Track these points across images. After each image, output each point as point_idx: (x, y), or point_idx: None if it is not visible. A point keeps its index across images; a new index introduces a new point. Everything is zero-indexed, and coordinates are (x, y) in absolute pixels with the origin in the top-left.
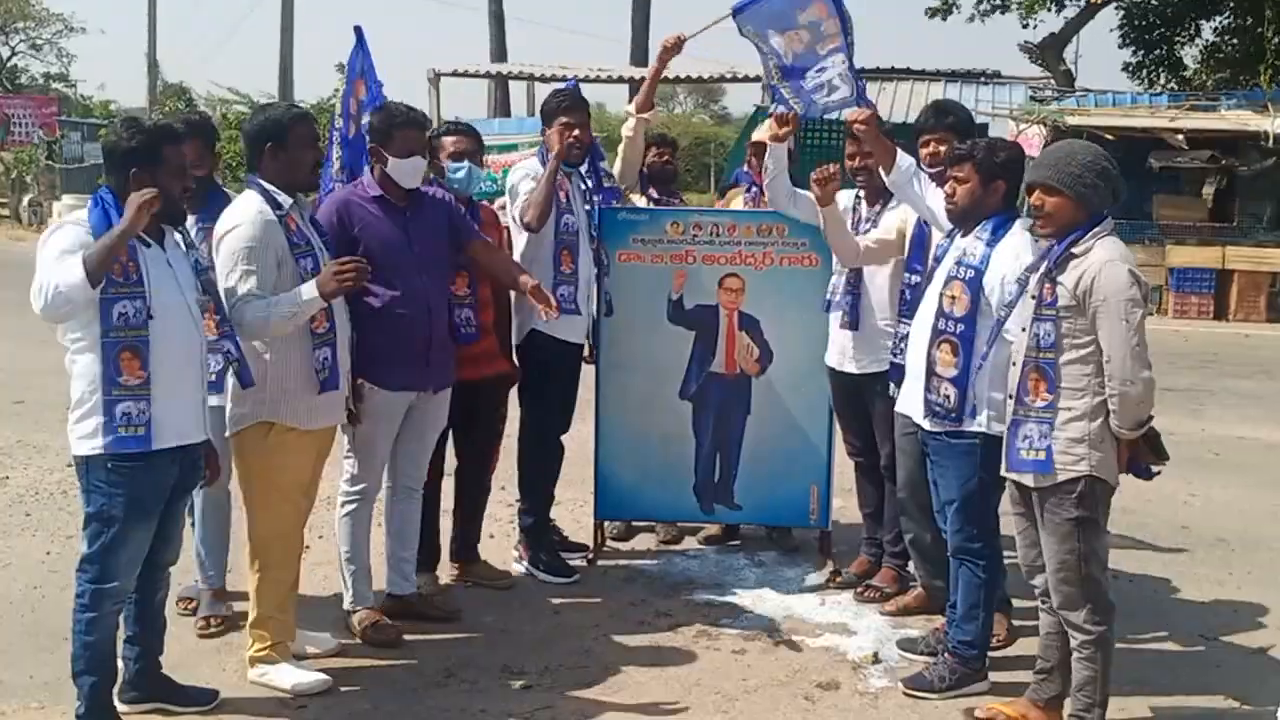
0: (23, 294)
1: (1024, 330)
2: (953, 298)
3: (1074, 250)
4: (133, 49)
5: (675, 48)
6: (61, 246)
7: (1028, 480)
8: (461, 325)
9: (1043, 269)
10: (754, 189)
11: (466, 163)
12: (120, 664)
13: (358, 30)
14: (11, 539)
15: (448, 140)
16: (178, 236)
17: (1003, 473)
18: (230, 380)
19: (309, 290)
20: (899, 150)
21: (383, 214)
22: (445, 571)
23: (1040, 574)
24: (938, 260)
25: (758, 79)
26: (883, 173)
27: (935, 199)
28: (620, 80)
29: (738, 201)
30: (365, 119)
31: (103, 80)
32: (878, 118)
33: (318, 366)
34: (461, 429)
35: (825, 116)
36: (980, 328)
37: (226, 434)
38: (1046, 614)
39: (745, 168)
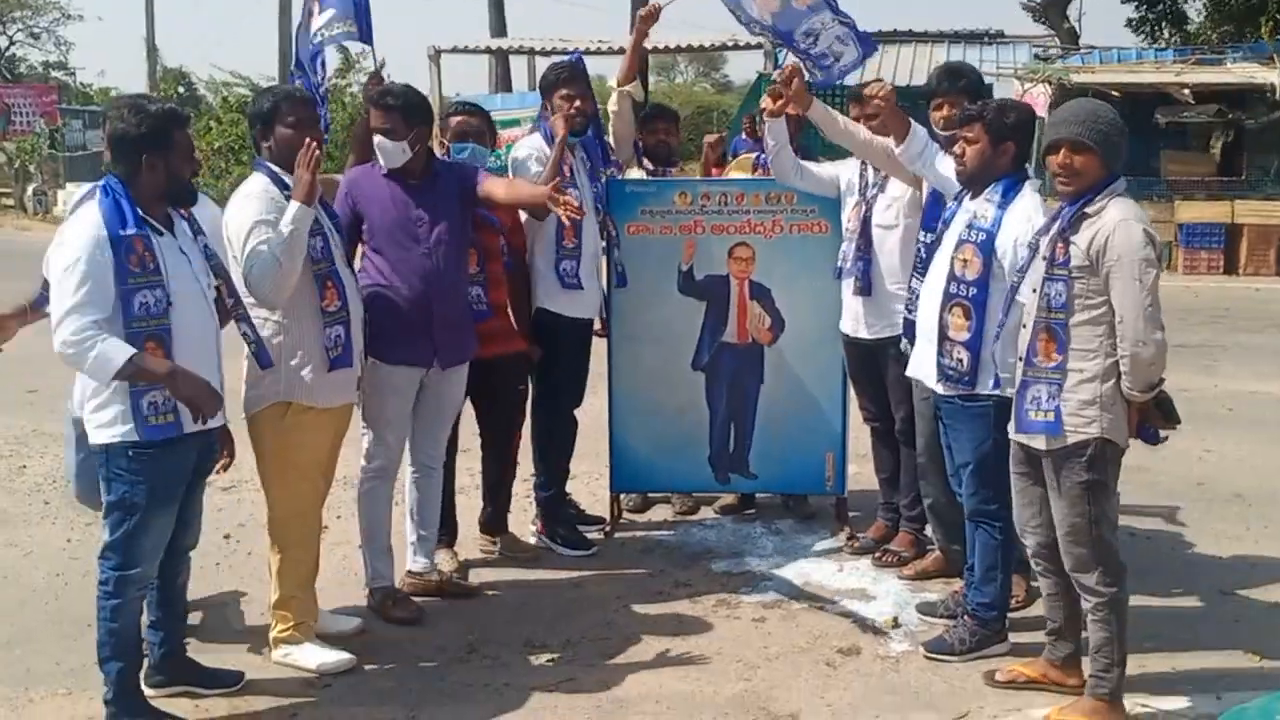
0: (30, 283)
1: (1035, 291)
2: (964, 261)
3: (1087, 210)
4: (131, 34)
5: (651, 18)
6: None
7: (1038, 444)
8: (473, 303)
9: (1055, 229)
10: (762, 156)
11: (470, 144)
12: (145, 649)
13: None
14: (32, 527)
15: (454, 120)
16: (186, 225)
17: (1011, 435)
18: (245, 362)
19: (291, 207)
20: (913, 122)
21: (390, 189)
22: (474, 544)
23: (1033, 535)
24: (946, 223)
25: (759, 46)
26: (894, 143)
27: (946, 166)
28: (620, 51)
29: (746, 168)
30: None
31: (102, 67)
32: None
33: (329, 344)
34: (482, 406)
35: (843, 81)
36: (993, 290)
37: (243, 415)
38: (1044, 575)
39: (743, 136)
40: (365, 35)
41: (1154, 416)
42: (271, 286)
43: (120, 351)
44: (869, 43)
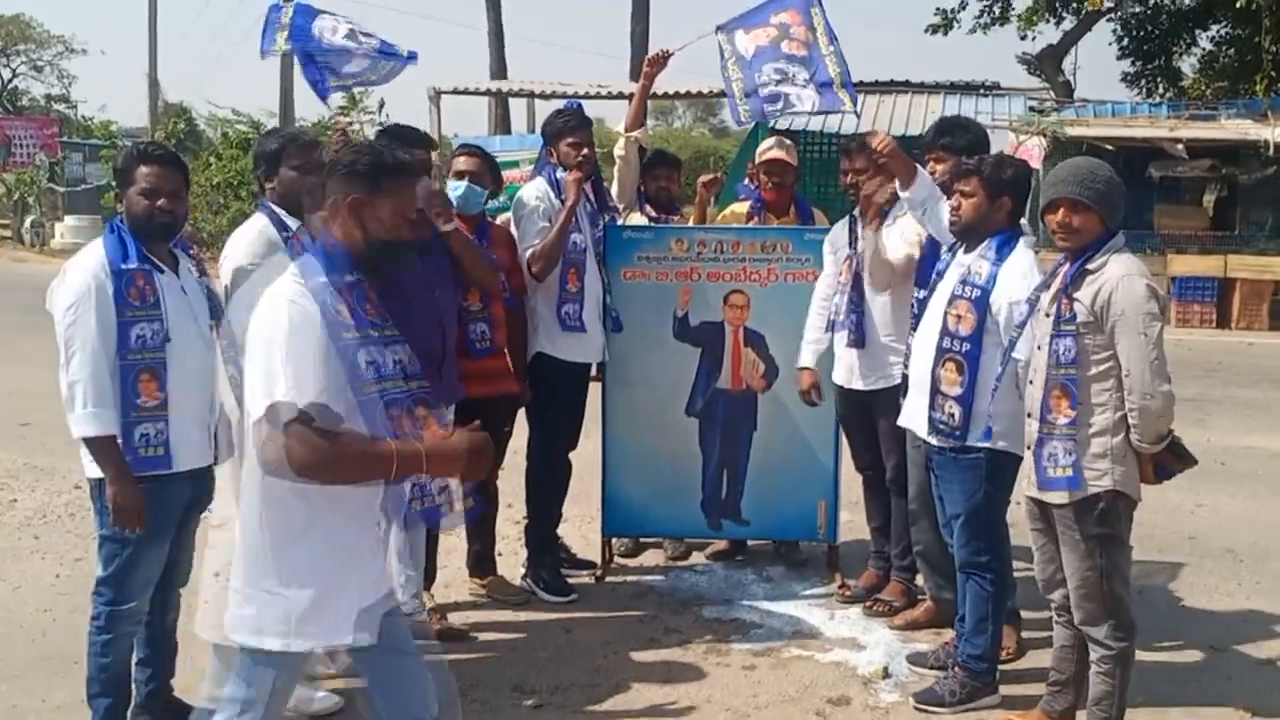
0: (25, 315)
1: (1040, 348)
2: (958, 316)
3: (1089, 267)
4: (133, 69)
5: (660, 63)
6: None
7: (1058, 499)
8: (476, 340)
9: (1056, 285)
10: (759, 205)
11: (465, 181)
12: (132, 686)
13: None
14: (21, 562)
15: (457, 160)
16: (190, 264)
17: (1029, 493)
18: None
19: None
20: (919, 168)
21: None
22: (463, 586)
23: (1058, 589)
24: (939, 275)
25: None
26: (899, 187)
27: (943, 212)
28: (620, 96)
29: (740, 215)
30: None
31: (104, 101)
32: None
33: None
34: None
35: (769, 122)
36: (986, 345)
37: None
38: (1062, 627)
39: (748, 182)
40: (322, 90)
41: (1168, 460)
42: None
43: (95, 424)
44: (831, 96)
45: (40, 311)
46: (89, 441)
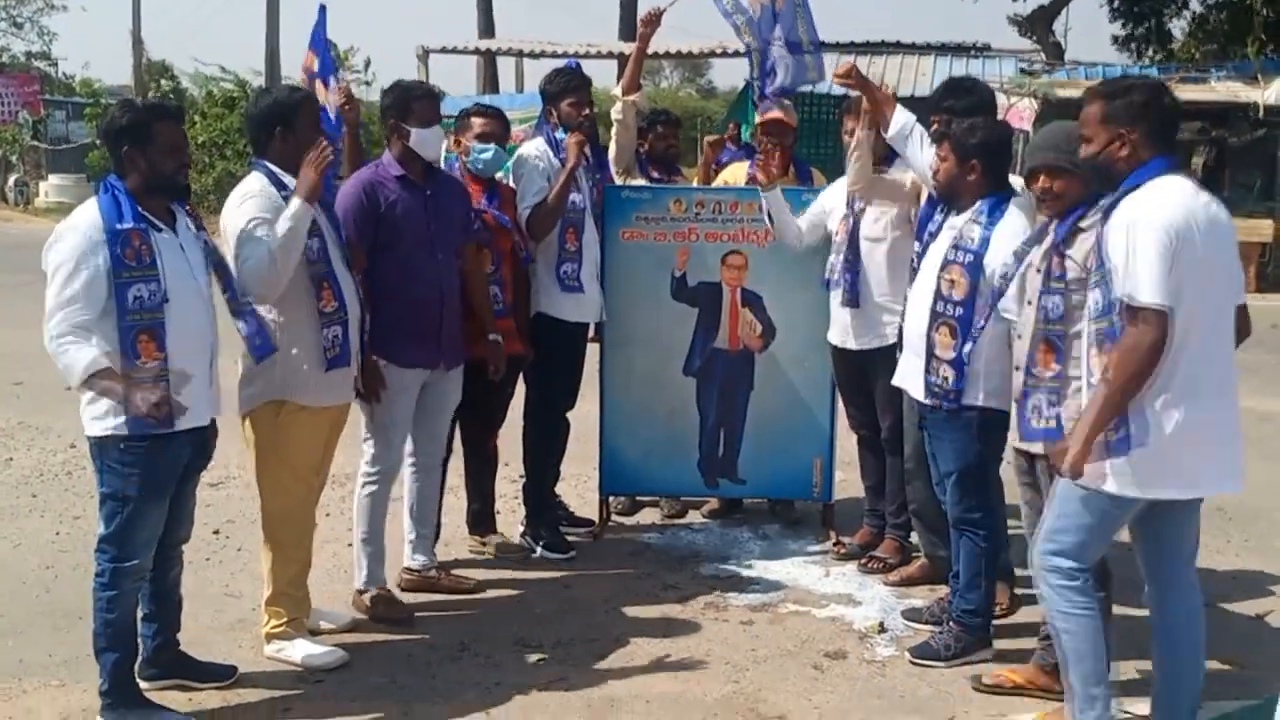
0: (12, 275)
1: (1030, 303)
2: (951, 281)
3: (1081, 225)
4: (116, 26)
5: (654, 23)
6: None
7: (1038, 448)
8: (491, 302)
9: (1048, 243)
10: (753, 166)
11: (493, 145)
12: (139, 642)
13: (321, 8)
14: (20, 520)
15: (476, 121)
16: (188, 220)
17: (1014, 444)
18: (240, 362)
19: (293, 203)
20: (899, 106)
21: (405, 192)
22: (464, 544)
23: None
24: (931, 235)
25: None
26: (881, 127)
27: (930, 157)
28: (609, 55)
29: (739, 176)
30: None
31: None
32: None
33: (327, 344)
34: (469, 405)
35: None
36: (979, 309)
37: (237, 414)
38: None
39: (732, 146)
40: (325, 71)
41: None
42: (264, 281)
43: (85, 361)
44: (799, 64)
45: (28, 270)
46: (87, 382)
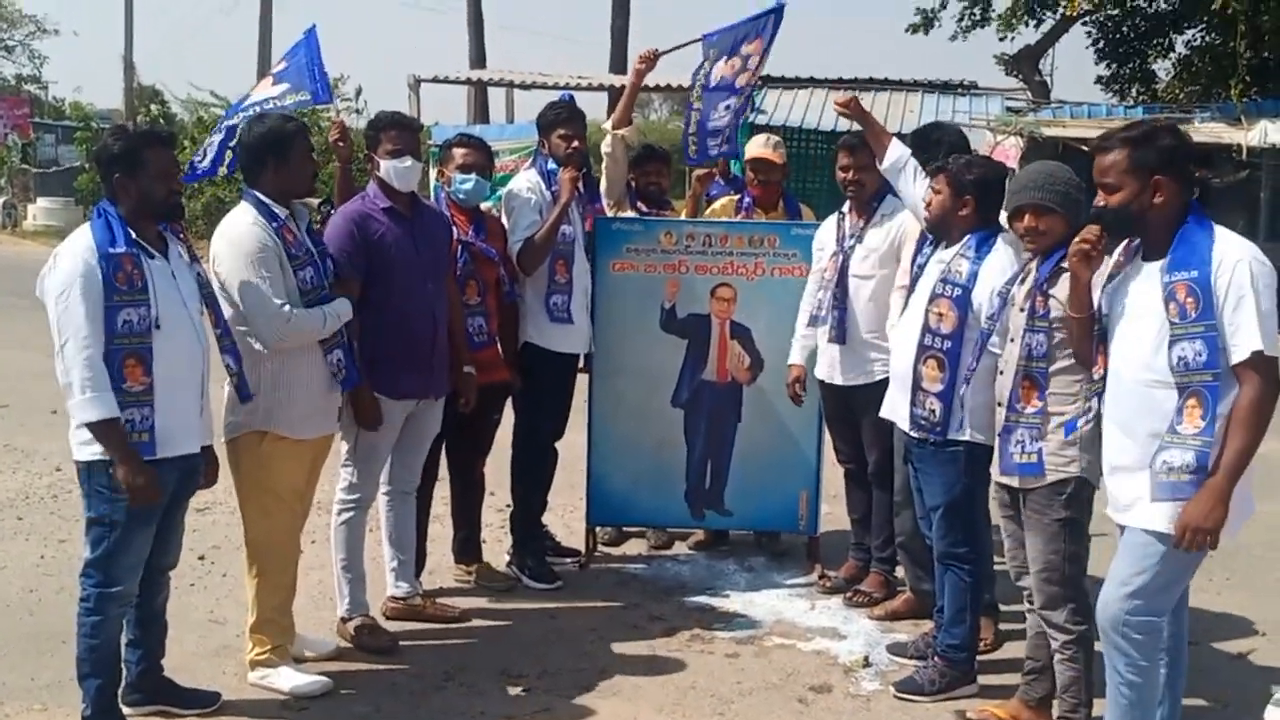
0: (1, 298)
1: (1014, 341)
2: (939, 315)
3: (1063, 265)
4: (107, 50)
5: (650, 62)
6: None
7: (1020, 483)
8: (474, 334)
9: (1031, 282)
10: (746, 200)
11: (474, 175)
12: (123, 667)
13: (311, 29)
14: (4, 543)
15: (458, 152)
16: (181, 249)
17: (996, 478)
18: (226, 389)
19: (344, 309)
20: (895, 139)
21: (393, 224)
22: (449, 573)
23: (1027, 575)
24: (920, 269)
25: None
26: (876, 158)
27: (923, 191)
28: (600, 88)
29: (729, 210)
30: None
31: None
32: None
33: (333, 368)
34: (455, 432)
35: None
36: (967, 343)
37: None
38: (1033, 615)
39: (721, 180)
40: (322, 96)
41: None
42: (298, 341)
43: (98, 408)
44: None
45: (14, 294)
46: (91, 427)
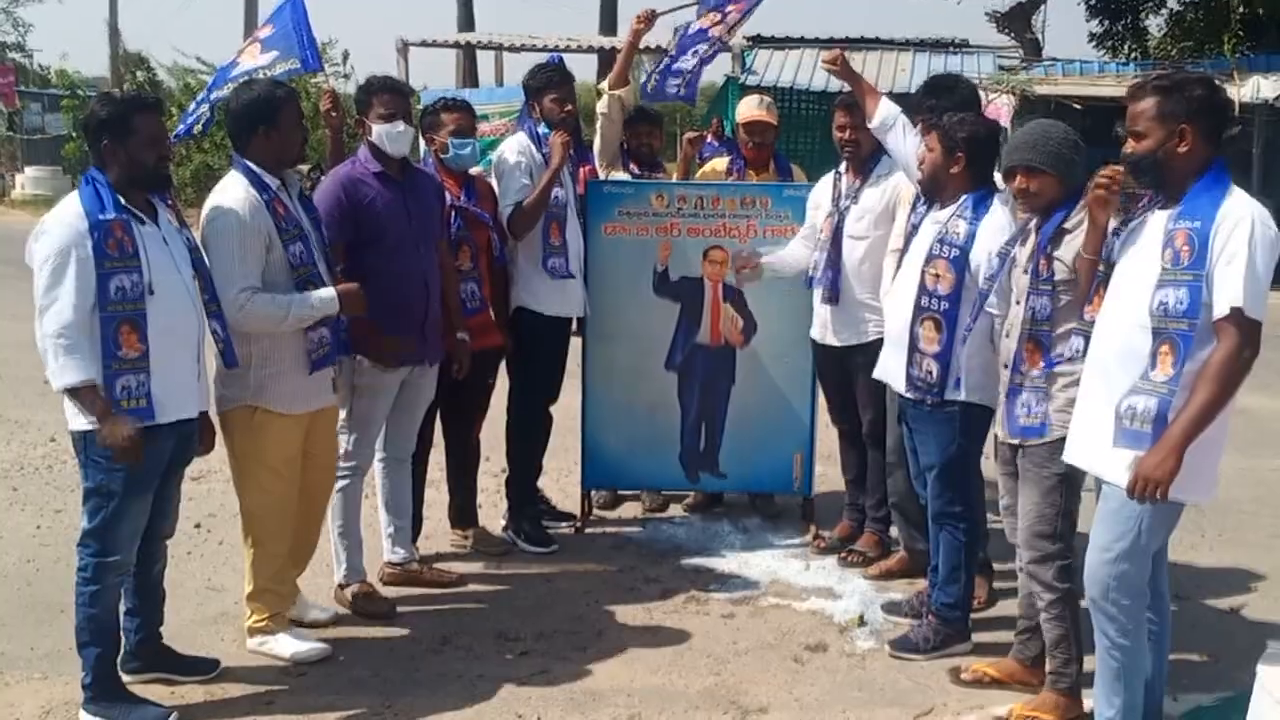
0: None
1: (1018, 303)
2: (936, 275)
3: (1066, 225)
4: (93, 17)
5: (648, 22)
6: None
7: (1018, 440)
8: (467, 299)
9: (1033, 244)
10: (739, 161)
11: (471, 139)
12: (121, 636)
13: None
14: (0, 514)
15: (447, 117)
16: (170, 215)
17: (1000, 438)
18: (215, 360)
19: (327, 303)
20: (884, 98)
21: (384, 189)
22: (445, 538)
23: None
24: (914, 229)
25: (727, 49)
26: (866, 117)
27: (914, 147)
28: (589, 50)
29: (720, 171)
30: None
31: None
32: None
33: (311, 347)
34: (450, 398)
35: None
36: (964, 302)
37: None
38: (1024, 575)
39: (713, 140)
40: (312, 64)
41: None
42: (261, 330)
43: (72, 373)
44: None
45: (3, 261)
46: (70, 391)
